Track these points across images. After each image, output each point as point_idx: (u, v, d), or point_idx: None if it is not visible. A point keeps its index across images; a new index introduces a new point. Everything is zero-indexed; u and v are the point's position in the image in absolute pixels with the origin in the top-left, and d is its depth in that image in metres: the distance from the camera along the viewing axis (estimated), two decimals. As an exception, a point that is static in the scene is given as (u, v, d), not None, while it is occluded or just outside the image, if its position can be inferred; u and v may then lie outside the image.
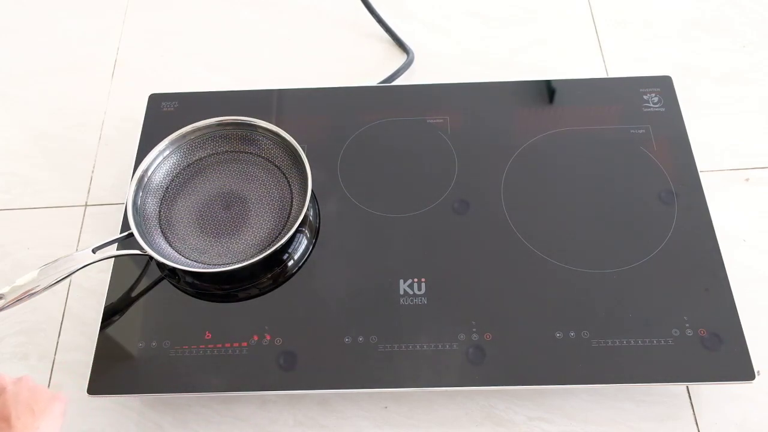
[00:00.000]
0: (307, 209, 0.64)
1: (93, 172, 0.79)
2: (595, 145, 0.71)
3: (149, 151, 0.69)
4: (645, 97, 0.74)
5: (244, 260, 0.63)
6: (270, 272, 0.65)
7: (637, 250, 0.64)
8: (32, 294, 0.58)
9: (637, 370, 0.58)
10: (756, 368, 0.58)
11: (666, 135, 0.71)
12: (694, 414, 0.61)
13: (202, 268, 0.63)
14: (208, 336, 0.61)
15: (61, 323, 0.69)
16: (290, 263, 0.65)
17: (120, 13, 0.92)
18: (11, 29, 0.91)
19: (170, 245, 0.66)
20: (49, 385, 0.65)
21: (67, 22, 0.91)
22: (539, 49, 0.85)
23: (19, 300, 0.58)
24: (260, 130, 0.70)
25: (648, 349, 0.59)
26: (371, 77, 0.83)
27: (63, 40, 0.90)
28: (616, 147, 0.71)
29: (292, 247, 0.65)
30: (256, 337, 0.61)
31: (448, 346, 0.60)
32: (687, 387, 0.63)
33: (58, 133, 0.82)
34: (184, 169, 0.70)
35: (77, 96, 0.85)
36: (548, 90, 0.76)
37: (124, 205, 0.65)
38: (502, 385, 0.59)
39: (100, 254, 0.62)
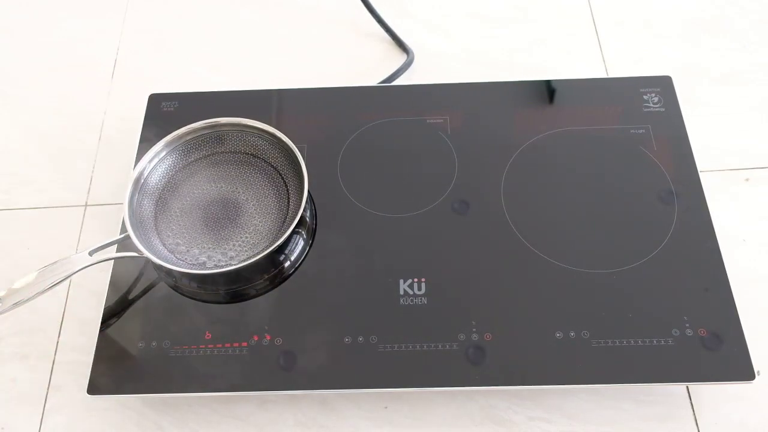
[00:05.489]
0: (304, 210, 0.64)
1: (93, 172, 0.79)
2: (595, 145, 0.71)
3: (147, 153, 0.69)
4: (645, 97, 0.74)
5: (240, 262, 0.63)
6: (267, 273, 0.65)
7: (637, 250, 0.64)
8: (29, 298, 0.58)
9: (637, 370, 0.58)
10: (756, 368, 0.58)
11: (666, 135, 0.71)
12: (694, 414, 0.61)
13: (198, 270, 0.63)
14: (208, 336, 0.61)
15: (61, 323, 0.69)
16: (287, 264, 0.65)
17: (120, 13, 0.92)
18: (11, 29, 0.91)
19: (166, 247, 0.66)
20: (48, 385, 0.65)
21: (67, 22, 0.91)
22: (539, 49, 0.85)
23: (16, 304, 0.58)
24: (256, 131, 0.70)
25: (648, 349, 0.59)
26: (371, 77, 0.83)
27: (63, 40, 0.90)
28: (616, 147, 0.71)
29: (288, 248, 0.65)
30: (256, 337, 0.61)
31: (448, 346, 0.60)
32: (687, 387, 0.63)
33: (58, 133, 0.82)
34: (180, 171, 0.70)
35: (77, 96, 0.85)
36: (548, 90, 0.76)
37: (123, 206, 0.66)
38: (502, 385, 0.59)
39: (97, 257, 0.62)
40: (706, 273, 0.63)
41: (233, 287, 0.64)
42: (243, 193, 0.69)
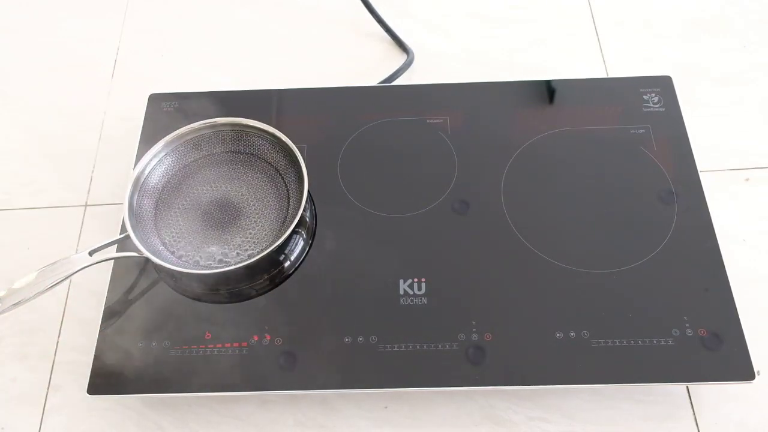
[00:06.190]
0: (303, 210, 0.64)
1: (93, 172, 0.79)
2: (595, 145, 0.71)
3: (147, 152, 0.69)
4: (645, 97, 0.74)
5: (240, 262, 0.63)
6: (267, 273, 0.65)
7: (637, 250, 0.64)
8: (29, 298, 0.58)
9: (637, 370, 0.58)
10: (756, 368, 0.58)
11: (666, 135, 0.71)
12: (694, 414, 0.61)
13: (198, 270, 0.63)
14: (208, 336, 0.61)
15: (61, 323, 0.69)
16: (287, 264, 0.65)
17: (120, 13, 0.92)
18: (11, 29, 0.91)
19: (166, 247, 0.66)
20: (48, 385, 0.65)
21: (67, 22, 0.91)
22: (539, 49, 0.85)
23: (16, 304, 0.58)
24: (255, 131, 0.70)
25: (648, 349, 0.59)
26: (371, 77, 0.83)
27: (63, 40, 0.90)
28: (616, 147, 0.71)
29: (288, 248, 0.65)
30: (256, 337, 0.61)
31: (448, 346, 0.60)
32: (687, 387, 0.63)
33: (58, 133, 0.82)
34: (179, 171, 0.70)
35: (77, 96, 0.85)
36: (548, 90, 0.76)
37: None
38: (502, 385, 0.59)
39: (97, 257, 0.62)
40: (706, 273, 0.63)
41: (233, 287, 0.64)
42: (243, 193, 0.69)
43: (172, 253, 0.65)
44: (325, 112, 0.75)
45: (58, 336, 0.68)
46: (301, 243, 0.66)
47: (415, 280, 0.64)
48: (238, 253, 0.65)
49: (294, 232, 0.64)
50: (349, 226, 0.67)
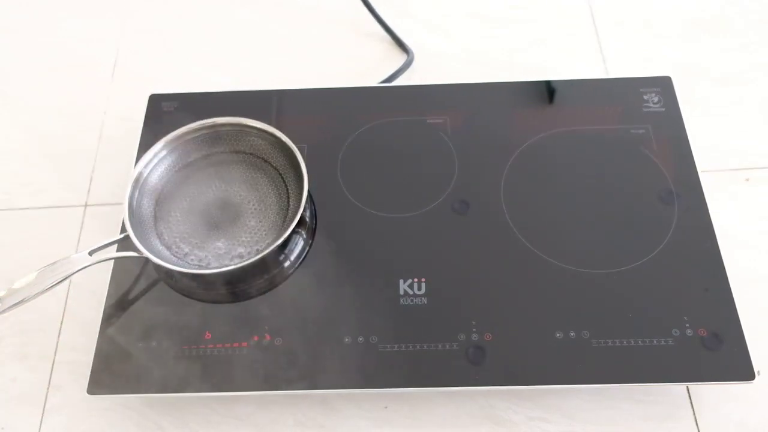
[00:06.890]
0: (304, 210, 0.64)
1: (93, 172, 0.79)
2: (595, 146, 0.71)
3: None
4: (645, 97, 0.74)
5: (240, 262, 0.63)
6: (267, 273, 0.65)
7: (637, 250, 0.64)
8: (29, 298, 0.58)
9: (637, 370, 0.58)
10: (756, 368, 0.58)
11: (666, 135, 0.71)
12: (694, 414, 0.61)
13: (198, 270, 0.63)
14: (208, 336, 0.61)
15: (61, 323, 0.69)
16: (287, 264, 0.65)
17: (120, 13, 0.92)
18: (11, 29, 0.91)
19: (166, 247, 0.66)
20: (48, 385, 0.65)
21: (67, 22, 0.91)
22: (539, 49, 0.85)
23: (16, 304, 0.58)
24: (255, 131, 0.70)
25: (648, 349, 0.59)
26: (371, 77, 0.83)
27: (63, 40, 0.90)
28: (616, 147, 0.71)
29: (288, 248, 0.65)
30: (256, 337, 0.61)
31: (448, 346, 0.60)
32: (687, 387, 0.63)
33: (58, 133, 0.82)
34: (179, 170, 0.70)
35: (77, 96, 0.85)
36: (548, 90, 0.76)
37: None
38: (502, 385, 0.59)
39: (97, 257, 0.62)
40: (706, 273, 0.63)
41: (233, 287, 0.64)
42: (243, 193, 0.69)
43: (172, 253, 0.65)
44: (325, 112, 0.75)
45: (58, 336, 0.68)
46: (301, 243, 0.66)
47: (415, 280, 0.64)
48: (237, 253, 0.65)
49: (294, 232, 0.64)
50: (349, 226, 0.67)
